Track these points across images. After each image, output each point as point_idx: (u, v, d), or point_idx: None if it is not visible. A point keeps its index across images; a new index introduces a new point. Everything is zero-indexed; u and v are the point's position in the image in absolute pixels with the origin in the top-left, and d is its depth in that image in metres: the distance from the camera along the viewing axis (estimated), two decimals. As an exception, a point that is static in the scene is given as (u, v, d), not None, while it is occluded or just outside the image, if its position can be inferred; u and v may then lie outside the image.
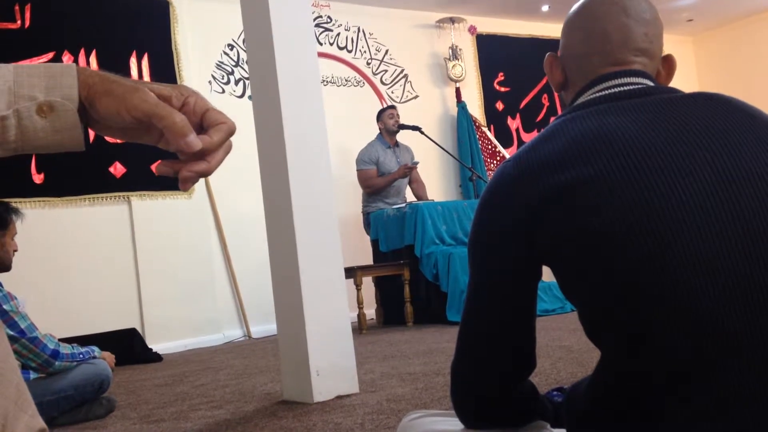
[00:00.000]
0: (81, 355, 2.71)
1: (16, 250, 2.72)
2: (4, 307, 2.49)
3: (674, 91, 1.01)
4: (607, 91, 1.02)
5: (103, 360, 2.82)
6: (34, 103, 0.61)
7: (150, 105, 0.63)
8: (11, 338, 2.43)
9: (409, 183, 5.85)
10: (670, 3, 7.45)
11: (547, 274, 1.10)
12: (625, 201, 0.87)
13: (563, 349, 3.11)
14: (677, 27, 8.36)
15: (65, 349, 2.65)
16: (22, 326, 2.50)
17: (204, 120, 0.68)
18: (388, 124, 5.65)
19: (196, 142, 0.64)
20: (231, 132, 0.68)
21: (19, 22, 5.04)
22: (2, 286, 2.56)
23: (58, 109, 0.61)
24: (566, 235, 0.91)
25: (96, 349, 2.84)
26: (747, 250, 0.84)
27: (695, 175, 0.88)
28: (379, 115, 5.77)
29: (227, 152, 0.69)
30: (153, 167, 5.51)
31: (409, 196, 5.87)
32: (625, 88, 1.02)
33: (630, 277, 0.86)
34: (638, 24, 1.05)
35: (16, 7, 5.03)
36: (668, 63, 1.11)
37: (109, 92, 0.63)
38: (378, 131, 5.76)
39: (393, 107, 5.84)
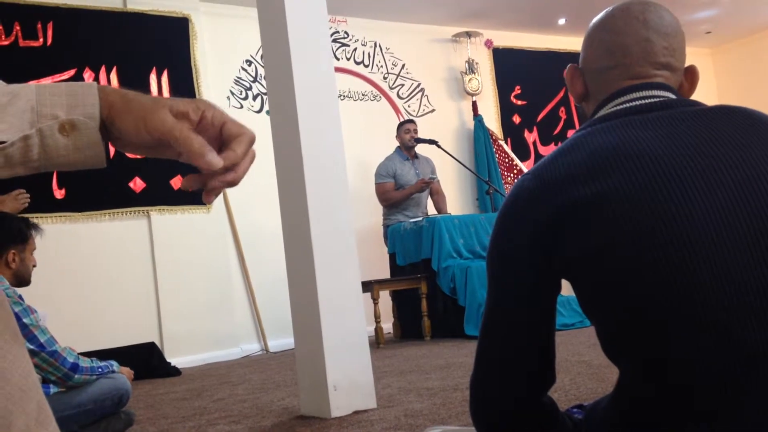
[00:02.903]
0: (100, 369, 2.72)
1: (35, 265, 2.74)
2: (24, 320, 2.51)
3: (696, 104, 0.99)
4: (628, 104, 1.01)
5: (123, 374, 2.83)
6: (56, 122, 0.62)
7: (167, 127, 0.64)
8: (32, 352, 2.45)
9: (431, 195, 5.86)
10: (688, 15, 7.41)
11: (567, 288, 1.09)
12: (646, 217, 0.86)
13: (583, 364, 3.08)
14: (696, 39, 8.31)
15: (85, 362, 2.66)
16: (42, 340, 2.52)
17: (223, 132, 0.69)
18: (404, 138, 5.67)
19: (216, 160, 0.65)
20: (251, 141, 0.70)
21: (41, 39, 5.12)
22: (23, 300, 2.58)
23: (80, 127, 0.62)
24: (585, 251, 0.90)
25: (115, 363, 2.85)
26: (770, 267, 0.82)
27: (717, 190, 0.86)
28: (397, 129, 5.80)
29: (252, 161, 0.70)
30: (172, 182, 5.57)
31: (430, 209, 5.87)
32: (647, 101, 1.00)
33: (650, 294, 0.85)
34: (659, 37, 1.04)
35: (39, 25, 5.11)
36: (691, 74, 1.09)
37: (129, 111, 0.64)
38: (397, 144, 5.79)
39: (411, 121, 5.84)
